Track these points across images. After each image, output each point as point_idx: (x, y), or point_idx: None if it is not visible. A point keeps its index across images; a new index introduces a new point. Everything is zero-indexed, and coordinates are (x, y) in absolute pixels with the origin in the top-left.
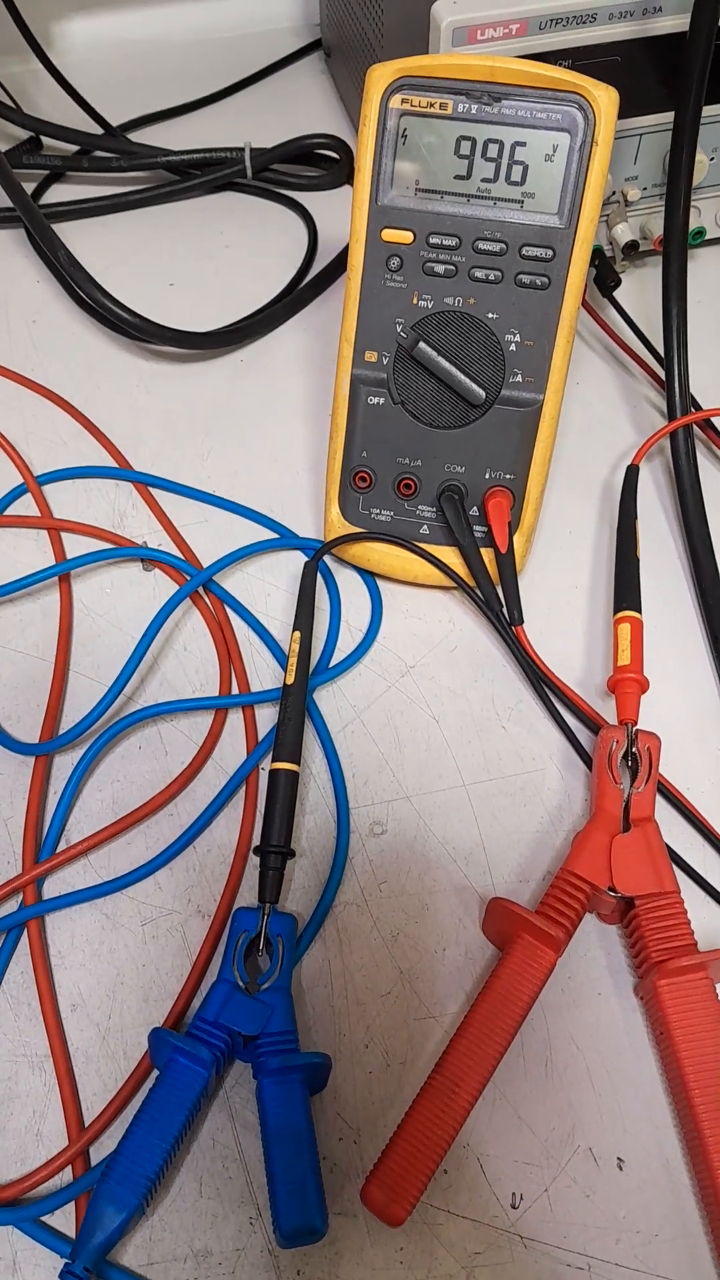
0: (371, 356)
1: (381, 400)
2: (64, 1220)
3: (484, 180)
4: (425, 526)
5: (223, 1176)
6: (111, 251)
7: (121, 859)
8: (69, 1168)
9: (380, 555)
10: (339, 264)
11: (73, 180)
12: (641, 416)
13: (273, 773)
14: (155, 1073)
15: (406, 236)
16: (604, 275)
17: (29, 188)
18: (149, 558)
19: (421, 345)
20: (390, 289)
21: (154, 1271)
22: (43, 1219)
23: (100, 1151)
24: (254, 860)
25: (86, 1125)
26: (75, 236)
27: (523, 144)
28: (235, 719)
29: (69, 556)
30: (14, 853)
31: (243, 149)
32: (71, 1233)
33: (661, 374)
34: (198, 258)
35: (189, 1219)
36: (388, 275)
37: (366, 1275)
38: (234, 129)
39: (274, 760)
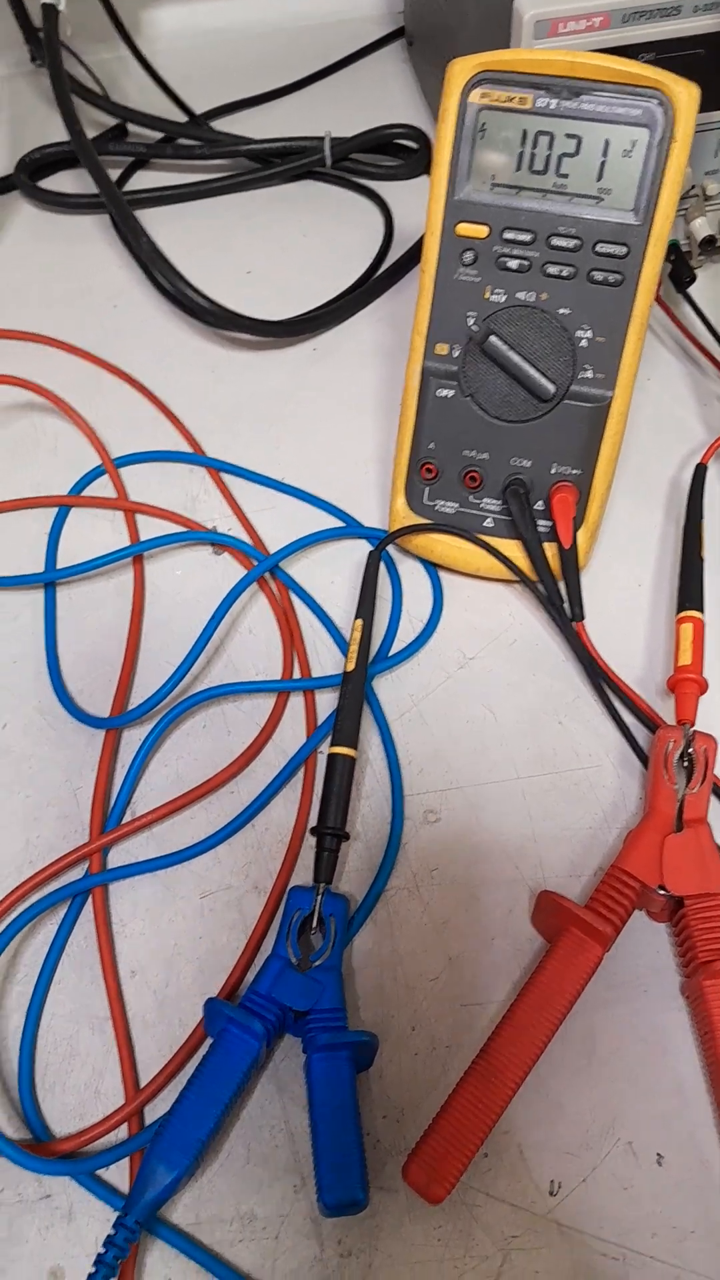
0: (442, 349)
1: (451, 393)
2: (117, 1175)
3: (560, 175)
4: (489, 519)
5: (269, 1145)
6: (191, 238)
7: (183, 833)
8: (125, 1126)
9: (443, 547)
10: (414, 255)
11: (156, 167)
12: (712, 415)
13: (331, 757)
14: (209, 1041)
15: (481, 231)
16: (679, 270)
17: (113, 174)
18: (219, 542)
19: (492, 339)
20: (463, 283)
21: (201, 1230)
22: (98, 1173)
23: (154, 1112)
24: (310, 841)
25: (142, 1086)
26: (157, 223)
27: (601, 140)
28: (296, 702)
29: (143, 538)
30: (82, 822)
31: (322, 138)
32: (125, 1188)
33: None
34: (275, 246)
35: (235, 1183)
36: (461, 269)
37: (404, 1250)
38: (315, 117)
39: (332, 744)
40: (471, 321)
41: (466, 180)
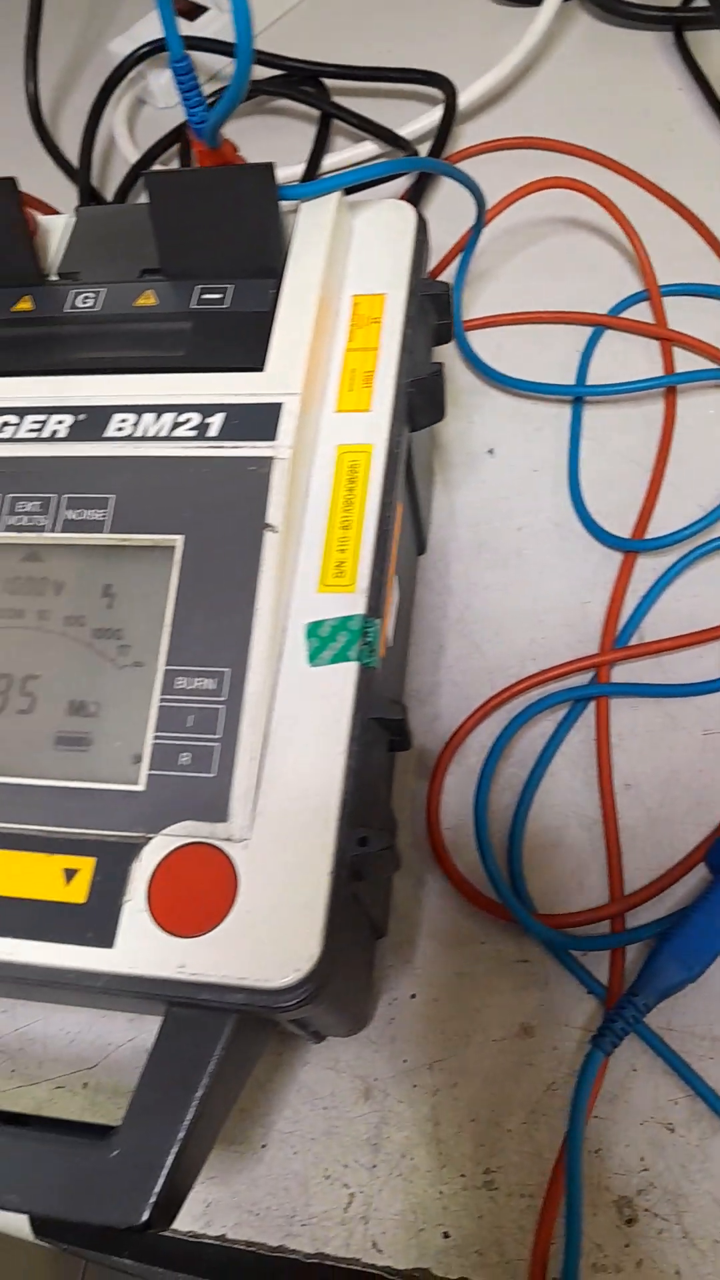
0: None
1: None
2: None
3: None
4: None
5: None
6: None
7: (691, 669)
8: (607, 923)
9: None
10: None
11: None
12: None
13: None
14: (702, 867)
15: None
16: None
17: None
18: None
19: None
20: None
21: (670, 1037)
22: (574, 953)
23: (634, 919)
24: None
25: (629, 893)
26: (712, 46)
27: None
28: None
29: (679, 371)
30: (586, 634)
31: None
32: (601, 977)
33: None
34: None
35: (712, 1007)
36: None
37: None
38: None
39: None
40: None
41: None
